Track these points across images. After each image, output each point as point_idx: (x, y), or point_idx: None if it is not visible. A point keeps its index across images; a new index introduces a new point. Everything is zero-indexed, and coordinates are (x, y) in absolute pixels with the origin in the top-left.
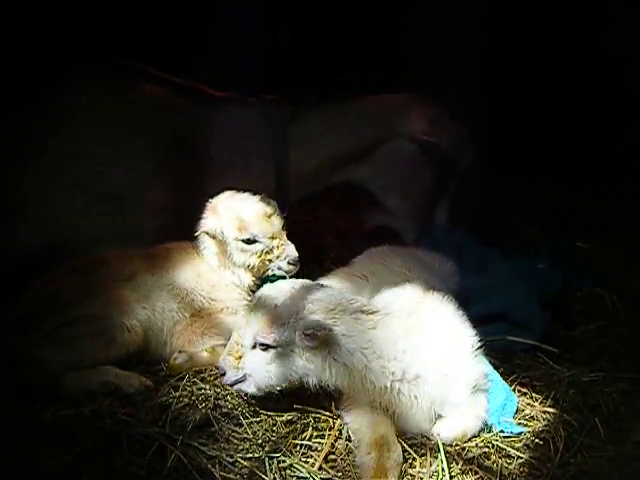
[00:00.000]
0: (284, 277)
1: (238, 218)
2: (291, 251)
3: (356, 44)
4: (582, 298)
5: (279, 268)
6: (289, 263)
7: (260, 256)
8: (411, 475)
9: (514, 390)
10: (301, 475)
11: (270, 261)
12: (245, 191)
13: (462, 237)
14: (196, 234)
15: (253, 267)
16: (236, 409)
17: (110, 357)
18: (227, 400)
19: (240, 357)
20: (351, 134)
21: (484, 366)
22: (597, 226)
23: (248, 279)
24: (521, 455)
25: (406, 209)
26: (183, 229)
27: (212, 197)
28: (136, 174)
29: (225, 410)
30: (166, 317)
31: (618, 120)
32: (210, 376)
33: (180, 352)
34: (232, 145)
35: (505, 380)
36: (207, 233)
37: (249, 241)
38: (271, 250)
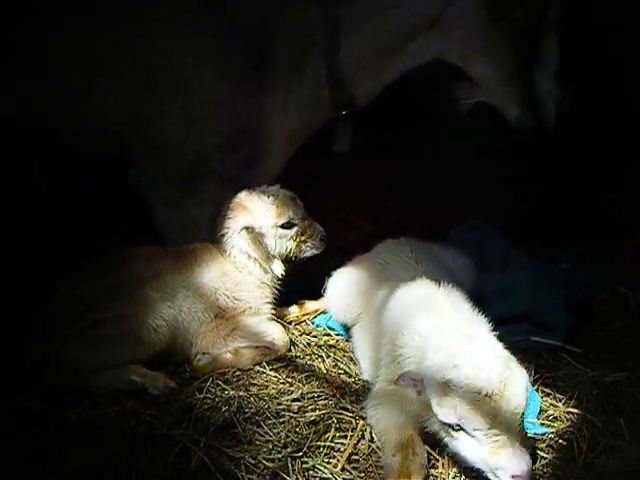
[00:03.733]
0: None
1: (273, 204)
2: (319, 227)
3: None
4: (606, 298)
5: (311, 247)
6: (320, 239)
7: (296, 239)
8: (434, 476)
9: (537, 390)
10: (324, 476)
11: (304, 242)
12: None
13: (485, 236)
14: (229, 232)
15: (290, 252)
16: (259, 411)
17: (138, 357)
18: (250, 402)
19: None
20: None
21: None
22: (621, 225)
23: (281, 269)
24: (545, 456)
25: (497, 74)
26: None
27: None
28: (203, 64)
29: (248, 412)
30: (192, 317)
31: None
32: (233, 378)
33: (203, 354)
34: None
35: (528, 380)
36: (247, 228)
37: (287, 225)
38: (305, 230)
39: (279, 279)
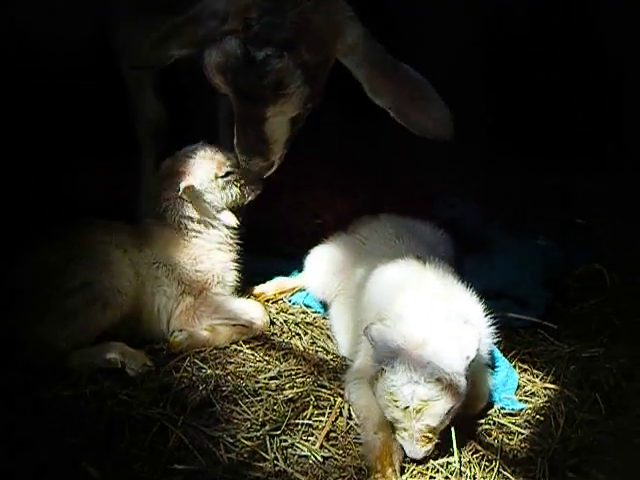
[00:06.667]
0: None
1: (212, 159)
2: (252, 166)
3: None
4: (581, 274)
5: (253, 189)
6: (259, 180)
7: (237, 185)
8: None
9: (514, 367)
10: (302, 454)
11: (244, 186)
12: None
13: (463, 213)
14: (170, 201)
15: (235, 199)
16: (236, 389)
17: (108, 322)
18: (227, 380)
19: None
20: None
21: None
22: (596, 202)
23: (233, 219)
24: (522, 431)
25: None
26: None
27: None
28: None
29: (225, 390)
30: (157, 291)
31: (616, 96)
32: (210, 356)
33: (180, 330)
34: None
35: (506, 357)
36: (187, 188)
37: (227, 174)
38: (242, 175)
39: (235, 232)
